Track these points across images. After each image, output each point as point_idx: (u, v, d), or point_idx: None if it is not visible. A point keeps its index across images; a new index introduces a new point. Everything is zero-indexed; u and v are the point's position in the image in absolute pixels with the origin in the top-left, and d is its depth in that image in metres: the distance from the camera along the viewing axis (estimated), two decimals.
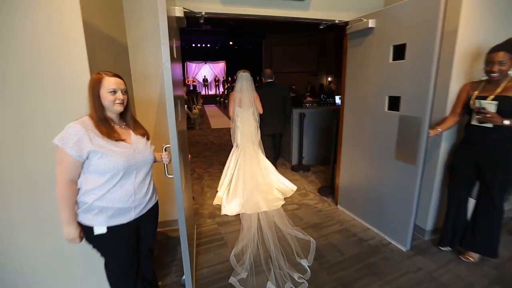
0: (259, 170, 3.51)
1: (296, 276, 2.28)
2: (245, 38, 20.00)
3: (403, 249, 2.72)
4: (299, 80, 13.69)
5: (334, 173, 3.90)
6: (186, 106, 8.14)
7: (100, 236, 1.54)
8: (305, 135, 5.01)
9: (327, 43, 20.55)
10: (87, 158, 1.45)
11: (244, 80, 3.36)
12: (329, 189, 4.14)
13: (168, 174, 1.89)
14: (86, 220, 1.52)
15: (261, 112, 3.49)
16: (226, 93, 16.61)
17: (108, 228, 1.54)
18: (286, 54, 21.37)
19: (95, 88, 1.48)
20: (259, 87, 3.72)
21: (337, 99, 6.08)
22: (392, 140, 2.73)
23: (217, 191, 3.77)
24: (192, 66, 20.80)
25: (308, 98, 7.68)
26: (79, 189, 1.51)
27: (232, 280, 2.28)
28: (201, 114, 11.75)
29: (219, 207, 3.56)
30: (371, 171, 3.04)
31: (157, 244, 2.89)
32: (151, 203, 1.75)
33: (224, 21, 18.09)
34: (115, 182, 1.51)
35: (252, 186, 3.37)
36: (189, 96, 10.92)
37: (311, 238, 2.82)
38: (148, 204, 1.71)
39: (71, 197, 1.47)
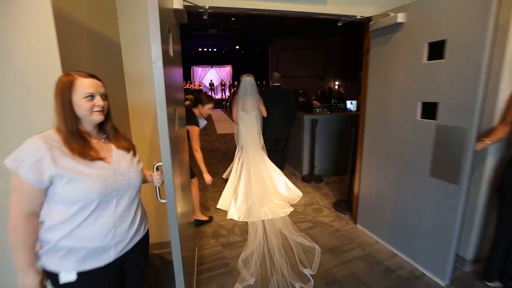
0: (265, 173, 3.48)
1: (298, 286, 2.21)
2: (252, 42, 19.74)
3: (442, 283, 2.28)
4: (309, 84, 13.29)
5: (352, 186, 3.49)
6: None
7: (69, 285, 1.16)
8: (317, 143, 4.61)
9: (333, 46, 20.21)
10: (51, 184, 1.08)
11: (247, 84, 3.34)
12: (345, 204, 3.72)
13: (160, 199, 1.52)
14: (50, 264, 1.15)
15: (265, 116, 3.46)
16: (232, 97, 16.36)
17: (79, 274, 1.16)
18: (292, 58, 21.04)
19: (64, 93, 1.11)
20: (265, 90, 3.83)
21: (348, 104, 5.67)
22: (426, 153, 2.32)
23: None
24: (199, 71, 20.59)
25: (315, 103, 7.30)
26: (41, 223, 1.15)
27: (238, 286, 2.24)
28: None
29: (224, 224, 3.29)
30: (399, 187, 2.62)
31: (152, 270, 2.52)
32: (139, 235, 1.37)
33: (231, 26, 18.00)
34: (87, 214, 1.14)
35: (258, 190, 3.32)
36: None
37: (316, 245, 2.73)
38: (134, 238, 1.33)
39: (30, 235, 1.10)
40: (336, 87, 18.95)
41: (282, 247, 2.67)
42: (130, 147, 1.37)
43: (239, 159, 3.49)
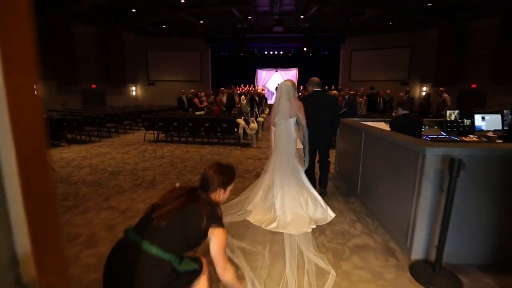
0: (294, 184, 3.10)
1: None
2: (321, 43, 17.72)
3: None
4: (389, 90, 10.25)
5: None
6: (242, 117, 6.53)
7: None
8: (455, 207, 1.93)
9: (424, 42, 16.48)
10: None
11: (282, 89, 3.10)
12: None
13: None
14: None
15: (304, 124, 3.13)
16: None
17: None
18: (368, 59, 18.14)
19: None
20: (305, 97, 3.50)
21: (478, 121, 3.47)
22: None
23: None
24: (263, 74, 19.58)
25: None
26: None
27: None
28: (266, 126, 10.05)
29: None
30: None
31: None
32: None
33: (298, 24, 16.49)
34: None
35: (286, 199, 3.02)
36: (250, 103, 9.35)
37: (331, 269, 2.13)
38: None
39: None
40: (423, 93, 15.46)
41: (295, 263, 2.23)
42: None
43: (273, 164, 3.21)
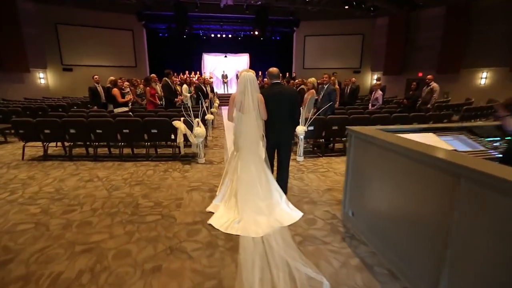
0: (260, 185, 2.73)
1: None
2: (274, 26, 15.78)
3: None
4: (344, 77, 8.82)
5: None
6: (182, 118, 4.27)
7: None
8: None
9: (375, 30, 15.90)
10: None
11: (247, 81, 2.66)
12: None
13: None
14: None
15: (265, 118, 2.81)
16: None
17: None
18: (321, 45, 16.94)
19: None
20: (265, 89, 2.96)
21: None
22: None
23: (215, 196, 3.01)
24: (210, 59, 16.95)
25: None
26: None
27: None
28: (217, 125, 7.83)
29: None
30: None
31: None
32: None
33: (251, 4, 14.34)
34: None
35: (251, 202, 2.65)
36: (198, 95, 6.99)
37: (323, 278, 1.86)
38: None
39: None
40: (374, 81, 15.10)
41: (285, 276, 1.88)
42: None
43: (234, 165, 2.83)
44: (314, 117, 4.26)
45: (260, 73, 16.12)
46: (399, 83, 15.02)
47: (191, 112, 4.11)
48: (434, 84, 5.71)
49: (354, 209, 2.38)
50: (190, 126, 4.12)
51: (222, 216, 2.61)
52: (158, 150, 4.85)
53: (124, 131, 4.21)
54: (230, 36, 16.34)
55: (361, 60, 16.65)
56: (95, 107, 6.32)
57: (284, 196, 2.83)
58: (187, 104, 7.08)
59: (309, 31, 16.17)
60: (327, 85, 5.03)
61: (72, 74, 12.77)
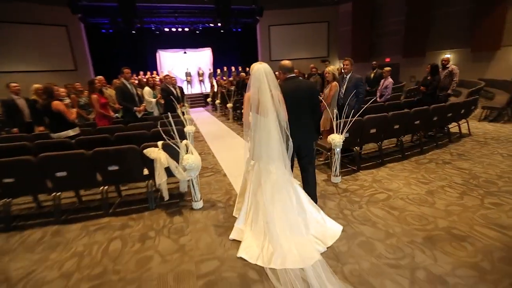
0: (290, 198, 2.21)
1: None
2: (237, 18, 14.15)
3: None
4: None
5: None
6: (162, 142, 2.63)
7: None
8: None
9: (340, 17, 15.29)
10: None
11: (263, 75, 2.10)
12: None
13: None
14: None
15: (286, 119, 2.29)
16: (216, 89, 10.87)
17: None
18: (288, 35, 15.76)
19: None
20: (281, 85, 2.28)
21: None
22: None
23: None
24: (167, 56, 14.70)
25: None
26: None
27: None
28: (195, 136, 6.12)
29: None
30: None
31: None
32: None
33: None
34: None
35: (285, 221, 2.11)
36: (166, 100, 5.24)
37: None
38: None
39: None
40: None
41: None
42: None
43: (256, 175, 2.29)
44: (355, 118, 2.95)
45: (225, 68, 14.53)
46: (367, 69, 14.70)
47: (175, 130, 2.49)
48: (453, 66, 4.81)
49: None
50: (173, 152, 2.51)
51: (252, 245, 2.07)
52: (123, 189, 3.12)
53: (59, 174, 2.43)
54: (187, 29, 14.30)
55: (329, 48, 15.97)
56: (16, 129, 4.23)
57: (317, 207, 2.35)
58: (152, 113, 5.30)
59: (273, 20, 14.92)
60: (349, 74, 3.76)
61: None
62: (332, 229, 2.22)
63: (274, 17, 14.83)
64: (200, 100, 13.03)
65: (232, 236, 2.19)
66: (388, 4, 13.67)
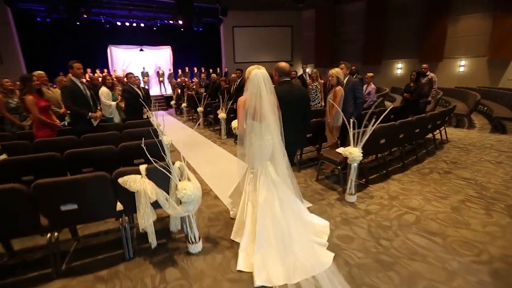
0: (291, 209, 2.12)
1: None
2: (199, 16, 13.28)
3: None
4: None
5: None
6: (144, 169, 1.84)
7: None
8: None
9: (304, 22, 15.46)
10: None
11: (261, 80, 2.03)
12: None
13: None
14: None
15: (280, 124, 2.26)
16: (180, 91, 9.81)
17: None
18: (252, 38, 15.37)
19: None
20: (275, 89, 2.24)
21: None
22: None
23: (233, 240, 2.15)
24: (120, 53, 13.03)
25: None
26: None
27: None
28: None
29: None
30: None
31: None
32: None
33: None
34: None
35: (287, 234, 1.99)
36: (129, 103, 4.30)
37: None
38: None
39: None
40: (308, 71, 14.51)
41: None
42: None
43: (253, 185, 2.16)
44: (375, 126, 2.56)
45: (187, 69, 13.50)
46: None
47: (165, 146, 1.77)
48: (432, 74, 4.88)
49: None
50: (157, 178, 1.78)
51: (272, 269, 1.78)
52: (79, 227, 2.24)
53: None
54: (142, 25, 12.95)
55: (292, 53, 16.02)
56: None
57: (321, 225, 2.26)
58: (112, 119, 4.30)
59: (237, 21, 14.39)
60: (346, 78, 3.43)
61: None
62: (320, 225, 2.26)
63: (239, 18, 14.34)
64: (161, 103, 11.78)
65: (239, 267, 1.83)
66: (349, 13, 14.24)
